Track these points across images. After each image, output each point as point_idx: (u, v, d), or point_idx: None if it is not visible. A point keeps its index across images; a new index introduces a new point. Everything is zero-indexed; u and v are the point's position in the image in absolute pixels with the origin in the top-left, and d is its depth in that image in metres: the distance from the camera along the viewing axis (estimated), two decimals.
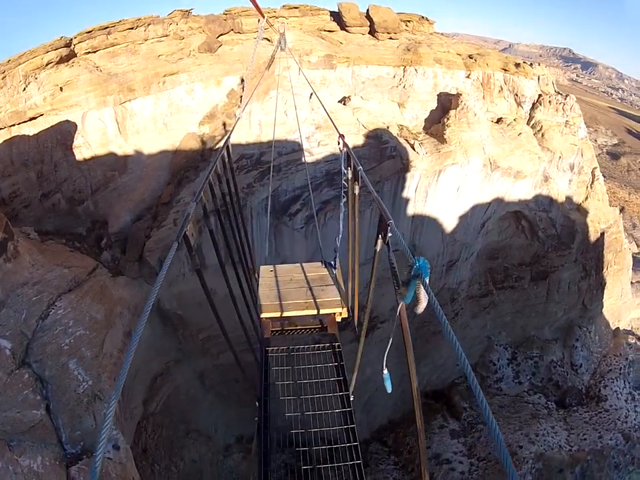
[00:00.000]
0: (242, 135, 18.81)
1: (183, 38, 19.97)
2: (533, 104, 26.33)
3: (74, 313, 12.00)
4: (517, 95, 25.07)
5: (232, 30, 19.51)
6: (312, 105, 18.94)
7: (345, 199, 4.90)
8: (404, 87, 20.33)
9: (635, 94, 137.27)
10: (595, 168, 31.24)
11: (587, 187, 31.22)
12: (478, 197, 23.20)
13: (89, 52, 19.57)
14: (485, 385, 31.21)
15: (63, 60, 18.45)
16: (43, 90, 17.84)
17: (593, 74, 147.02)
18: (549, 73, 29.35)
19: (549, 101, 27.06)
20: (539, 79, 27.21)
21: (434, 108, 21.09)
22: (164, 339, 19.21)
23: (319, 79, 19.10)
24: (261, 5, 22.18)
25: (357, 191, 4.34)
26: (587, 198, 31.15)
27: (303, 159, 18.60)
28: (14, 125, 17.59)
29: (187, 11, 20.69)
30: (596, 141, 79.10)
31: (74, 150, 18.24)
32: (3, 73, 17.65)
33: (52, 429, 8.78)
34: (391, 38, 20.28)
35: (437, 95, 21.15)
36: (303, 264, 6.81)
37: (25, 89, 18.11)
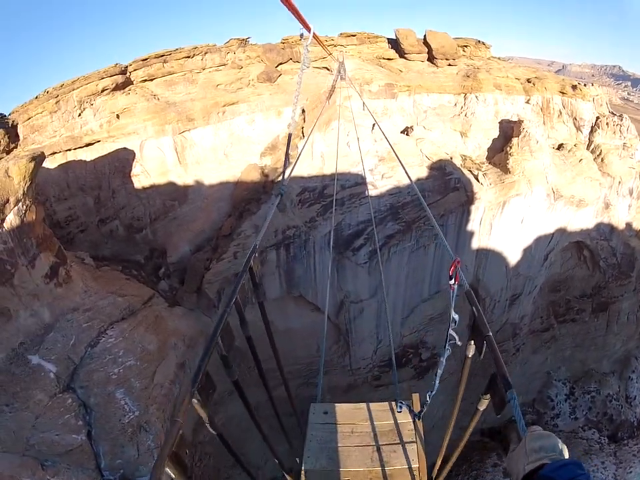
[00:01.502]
0: (304, 168, 18.27)
1: (242, 67, 19.83)
2: (592, 127, 25.32)
3: (125, 342, 11.68)
4: (575, 119, 24.13)
5: (291, 59, 19.29)
6: (374, 136, 18.36)
7: (448, 352, 3.15)
8: (465, 115, 19.64)
9: None
10: None
11: None
12: (541, 228, 22.02)
13: (146, 80, 19.53)
14: (542, 421, 29.53)
15: (118, 87, 18.38)
16: (99, 116, 17.71)
17: None
18: (602, 93, 28.43)
19: (607, 123, 26.00)
20: (593, 100, 26.30)
21: (496, 136, 20.29)
22: (220, 370, 18.92)
23: (380, 108, 18.58)
24: (318, 34, 22.06)
25: (470, 354, 2.79)
26: None
27: (367, 192, 17.88)
28: (69, 150, 17.49)
29: (244, 39, 20.59)
30: None
31: (132, 178, 18.02)
32: (56, 97, 17.60)
33: (91, 455, 8.78)
34: (449, 64, 19.77)
35: (499, 123, 20.38)
36: (370, 405, 5.08)
37: (80, 115, 17.99)
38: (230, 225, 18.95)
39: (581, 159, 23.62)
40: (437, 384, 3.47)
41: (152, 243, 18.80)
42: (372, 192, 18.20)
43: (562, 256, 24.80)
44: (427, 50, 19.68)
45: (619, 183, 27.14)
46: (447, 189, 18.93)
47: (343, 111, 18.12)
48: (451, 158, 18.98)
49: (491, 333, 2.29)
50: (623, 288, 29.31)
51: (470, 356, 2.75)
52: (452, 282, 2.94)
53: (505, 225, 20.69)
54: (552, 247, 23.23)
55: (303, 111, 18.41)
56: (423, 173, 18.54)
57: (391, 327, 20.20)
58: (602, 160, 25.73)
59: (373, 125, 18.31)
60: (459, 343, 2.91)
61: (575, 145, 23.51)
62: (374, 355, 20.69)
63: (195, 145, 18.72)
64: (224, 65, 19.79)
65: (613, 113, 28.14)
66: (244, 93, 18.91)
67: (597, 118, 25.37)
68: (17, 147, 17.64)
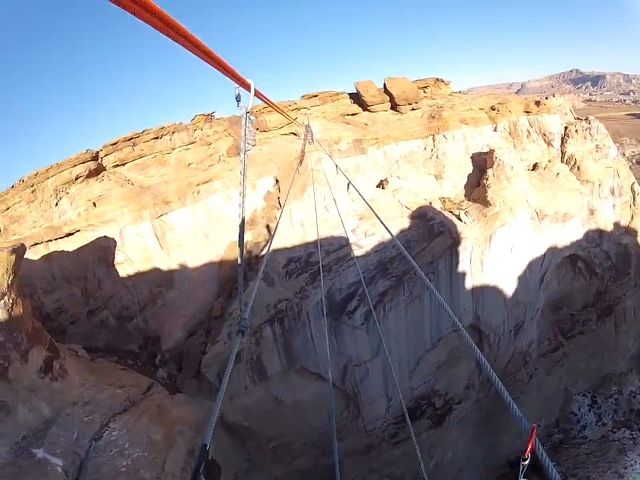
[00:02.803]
0: (286, 238, 17.94)
1: (210, 143, 19.65)
2: (562, 138, 25.51)
3: (130, 434, 11.40)
4: (544, 135, 24.28)
5: (257, 129, 19.15)
6: (351, 195, 18.16)
7: None
8: (437, 156, 19.59)
9: None
10: (633, 183, 29.98)
11: (630, 206, 29.80)
12: (532, 251, 21.80)
13: (117, 165, 19.35)
14: (569, 438, 28.82)
15: (92, 174, 18.20)
16: (76, 205, 17.49)
17: (604, 86, 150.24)
18: (564, 101, 28.80)
19: (576, 130, 26.25)
20: (558, 111, 26.61)
21: (470, 171, 20.25)
22: (232, 451, 18.28)
23: (352, 166, 18.44)
24: (278, 100, 21.87)
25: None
26: (632, 217, 29.64)
27: (352, 253, 17.53)
28: (51, 241, 17.22)
29: (209, 114, 20.49)
30: (624, 154, 77.89)
31: (116, 266, 17.65)
32: (32, 186, 17.44)
33: None
34: (413, 108, 19.81)
35: (470, 157, 20.35)
36: None
37: (57, 204, 17.69)
38: (220, 306, 18.52)
39: (558, 173, 23.65)
40: None
41: (144, 332, 18.35)
42: (357, 252, 17.87)
43: (557, 274, 24.54)
44: (388, 98, 19.73)
45: (599, 185, 27.23)
46: (432, 234, 18.67)
47: (316, 174, 17.96)
48: (430, 203, 18.81)
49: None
50: (623, 287, 29.10)
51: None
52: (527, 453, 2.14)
53: (495, 257, 20.41)
54: (545, 267, 22.97)
55: (277, 181, 18.19)
56: (404, 223, 18.30)
57: (400, 382, 19.59)
58: (578, 168, 25.84)
59: (348, 184, 18.14)
60: None
61: (549, 161, 23.57)
62: (387, 413, 19.97)
63: (174, 228, 18.41)
64: (193, 142, 19.64)
65: (579, 119, 28.47)
66: (216, 170, 18.71)
67: (565, 128, 25.60)
68: None
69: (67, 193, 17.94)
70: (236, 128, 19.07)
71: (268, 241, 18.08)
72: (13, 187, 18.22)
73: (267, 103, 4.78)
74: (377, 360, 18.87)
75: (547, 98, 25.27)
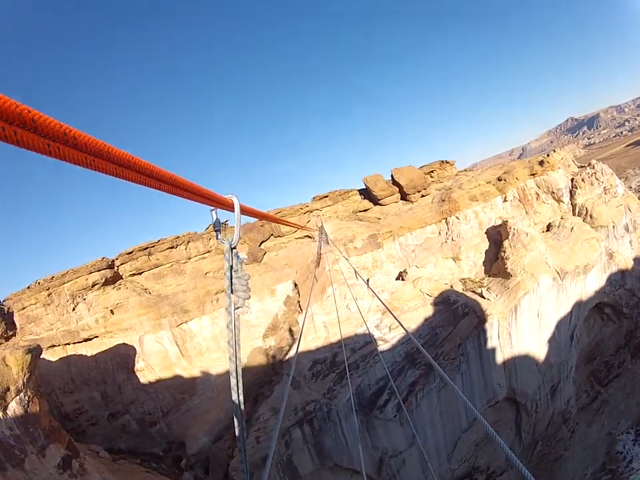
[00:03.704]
0: (309, 341, 18.06)
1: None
2: (570, 191, 25.54)
3: None
4: (553, 193, 24.31)
5: (272, 235, 19.56)
6: (371, 291, 18.29)
7: None
8: (452, 239, 19.72)
9: (639, 115, 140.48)
10: None
11: None
12: (558, 311, 21.54)
13: (134, 274, 19.81)
14: (617, 475, 27.72)
15: (108, 282, 18.61)
16: (94, 311, 17.82)
17: (599, 126, 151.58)
18: (565, 153, 28.91)
19: (582, 179, 26.27)
20: (561, 165, 26.73)
21: (487, 247, 20.26)
22: None
23: (369, 262, 18.63)
24: (291, 203, 22.28)
25: None
26: None
27: (378, 349, 17.59)
28: (69, 344, 17.57)
29: (223, 223, 20.94)
30: (630, 187, 77.24)
31: (137, 373, 17.85)
32: (48, 290, 17.89)
33: None
34: (422, 195, 20.08)
35: (485, 233, 20.42)
36: None
37: (74, 309, 18.07)
38: (246, 412, 18.62)
39: (572, 227, 23.55)
40: None
41: (168, 436, 18.45)
42: (383, 347, 17.89)
43: (586, 326, 24.14)
44: (397, 189, 20.04)
45: (614, 227, 27.03)
46: (456, 317, 18.63)
47: (334, 274, 18.20)
48: (451, 286, 18.84)
49: None
50: None
51: None
52: None
53: (523, 326, 20.22)
54: (574, 323, 22.63)
55: (295, 285, 18.44)
56: (428, 311, 18.31)
57: (439, 465, 19.23)
58: (591, 216, 25.74)
59: (367, 279, 18.30)
60: None
61: (561, 218, 23.52)
62: None
63: (194, 337, 18.66)
64: (208, 251, 20.09)
65: (582, 166, 28.55)
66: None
67: (572, 180, 25.64)
68: (14, 335, 17.82)
69: (84, 299, 18.38)
70: (251, 235, 19.50)
71: (291, 345, 18.20)
72: (28, 287, 18.71)
73: (261, 217, 3.35)
74: (413, 449, 18.59)
75: (548, 155, 25.42)
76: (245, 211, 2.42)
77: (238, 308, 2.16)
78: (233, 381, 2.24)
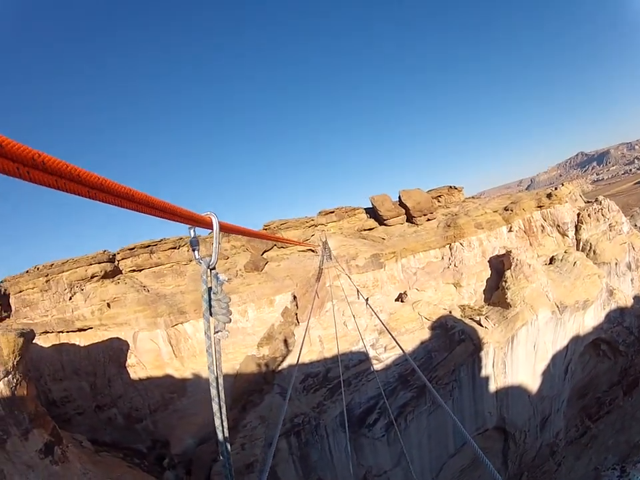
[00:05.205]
0: (304, 354, 18.14)
1: (228, 257, 20.26)
2: (575, 226, 25.61)
3: None
4: (559, 226, 24.37)
5: (275, 245, 19.72)
6: (370, 310, 18.39)
7: None
8: (454, 265, 19.82)
9: None
10: None
11: None
12: (555, 345, 21.55)
13: (134, 270, 19.93)
14: None
15: (108, 275, 18.71)
16: (90, 303, 17.95)
17: (609, 162, 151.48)
18: (573, 187, 28.99)
19: (588, 215, 26.33)
20: (569, 199, 26.83)
21: (488, 275, 20.34)
22: None
23: (370, 281, 18.75)
24: (296, 215, 22.47)
25: None
26: None
27: (372, 367, 17.66)
28: (62, 332, 17.68)
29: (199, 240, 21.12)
30: (635, 225, 77.23)
31: (128, 368, 17.95)
32: (46, 276, 18.01)
33: None
34: (428, 219, 20.17)
35: (488, 261, 20.50)
36: None
37: (71, 298, 18.18)
38: (234, 418, 18.68)
39: (575, 262, 23.59)
40: None
41: (154, 434, 18.46)
42: (377, 366, 17.97)
43: (581, 361, 24.13)
44: (404, 211, 20.15)
45: (616, 264, 27.05)
46: (453, 343, 18.69)
47: (334, 291, 18.31)
48: (450, 312, 18.92)
49: None
50: None
51: None
52: None
53: (518, 357, 20.24)
54: (569, 358, 22.63)
55: (295, 297, 18.57)
56: (425, 335, 18.39)
57: None
58: (594, 252, 25.76)
59: (367, 298, 18.41)
60: None
61: (565, 252, 23.57)
62: None
63: (189, 338, 18.76)
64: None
65: (589, 202, 28.61)
66: (233, 284, 19.20)
67: (578, 214, 25.71)
68: (9, 317, 17.96)
69: (82, 290, 18.48)
70: (254, 243, 19.67)
71: (284, 356, 18.31)
72: (27, 272, 18.77)
73: (244, 234, 3.09)
74: (397, 469, 18.64)
75: (556, 188, 25.48)
76: (225, 228, 2.27)
77: (218, 332, 1.99)
78: (215, 407, 2.04)
